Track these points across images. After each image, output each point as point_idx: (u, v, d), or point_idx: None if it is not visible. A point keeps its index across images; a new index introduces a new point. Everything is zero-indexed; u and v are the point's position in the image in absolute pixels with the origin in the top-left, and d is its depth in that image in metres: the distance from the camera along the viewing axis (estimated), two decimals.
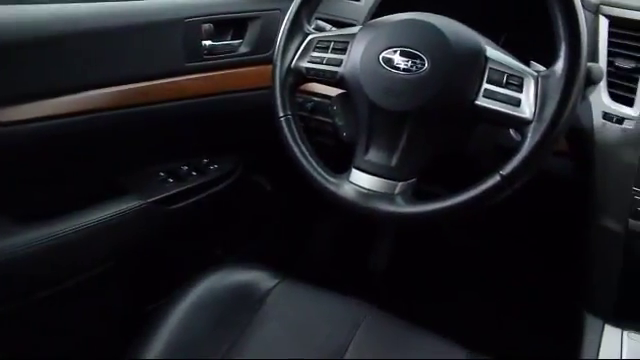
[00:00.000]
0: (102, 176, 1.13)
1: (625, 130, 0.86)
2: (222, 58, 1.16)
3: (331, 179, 0.82)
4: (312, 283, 0.97)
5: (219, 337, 0.87)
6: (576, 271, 0.99)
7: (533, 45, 0.77)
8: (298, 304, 0.94)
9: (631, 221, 0.87)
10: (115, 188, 1.11)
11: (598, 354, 0.89)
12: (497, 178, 0.70)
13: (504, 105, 0.72)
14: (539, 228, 1.31)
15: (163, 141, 1.17)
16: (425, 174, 0.80)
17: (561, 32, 0.69)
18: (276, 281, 0.96)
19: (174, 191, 1.17)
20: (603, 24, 0.91)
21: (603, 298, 0.94)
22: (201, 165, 1.25)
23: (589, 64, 0.82)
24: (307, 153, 0.85)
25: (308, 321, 0.90)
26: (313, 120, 1.16)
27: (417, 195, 0.79)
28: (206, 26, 1.11)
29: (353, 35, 0.83)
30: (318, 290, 0.96)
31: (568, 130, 0.93)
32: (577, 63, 0.69)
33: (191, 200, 1.20)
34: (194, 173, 1.23)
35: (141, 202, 1.11)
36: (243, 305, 0.92)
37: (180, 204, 1.18)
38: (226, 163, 1.30)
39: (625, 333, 0.91)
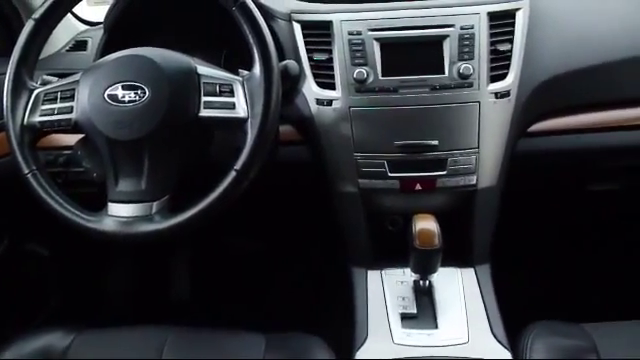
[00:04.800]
0: None
1: (335, 109, 1.04)
2: None
3: (91, 218, 0.85)
4: (114, 326, 0.99)
5: None
6: (336, 235, 1.16)
7: (244, 55, 0.90)
8: (101, 349, 0.94)
9: (360, 180, 1.06)
10: None
11: (367, 295, 1.05)
12: (233, 174, 0.82)
13: (223, 111, 0.83)
14: (304, 209, 1.47)
15: None
16: (180, 189, 0.88)
17: (251, 41, 0.84)
18: (72, 336, 0.95)
19: None
20: (297, 28, 1.08)
21: (360, 250, 1.12)
22: None
23: (285, 62, 0.98)
24: (62, 201, 0.87)
25: None
26: (70, 173, 1.16)
27: (177, 209, 0.86)
28: None
29: (77, 81, 0.88)
30: (117, 330, 0.98)
31: (295, 121, 1.09)
32: (269, 63, 0.83)
33: None
34: None
35: None
36: None
37: None
38: None
39: (383, 272, 1.09)
